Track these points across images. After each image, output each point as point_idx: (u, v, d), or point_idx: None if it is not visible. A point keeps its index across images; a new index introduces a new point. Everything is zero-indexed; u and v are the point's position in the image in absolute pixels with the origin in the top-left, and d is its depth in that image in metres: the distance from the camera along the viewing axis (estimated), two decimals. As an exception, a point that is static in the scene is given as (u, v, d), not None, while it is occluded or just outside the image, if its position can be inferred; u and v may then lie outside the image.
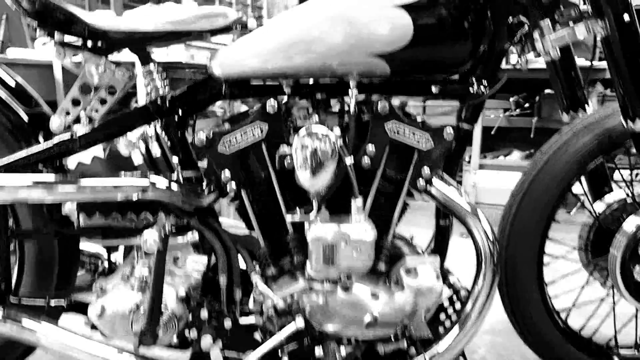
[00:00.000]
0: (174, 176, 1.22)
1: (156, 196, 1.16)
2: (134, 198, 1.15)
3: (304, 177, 1.10)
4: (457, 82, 1.26)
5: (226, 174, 1.18)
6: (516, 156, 3.83)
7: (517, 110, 3.77)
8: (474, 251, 1.26)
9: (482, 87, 1.27)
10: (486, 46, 1.20)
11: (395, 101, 1.25)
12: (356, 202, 1.14)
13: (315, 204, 1.14)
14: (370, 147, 1.18)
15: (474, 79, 1.26)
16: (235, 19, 1.22)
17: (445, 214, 1.33)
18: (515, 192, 1.40)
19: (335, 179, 1.15)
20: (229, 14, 1.21)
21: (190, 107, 1.27)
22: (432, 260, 1.25)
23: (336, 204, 1.24)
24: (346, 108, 1.24)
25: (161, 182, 1.17)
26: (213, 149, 1.16)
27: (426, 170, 1.20)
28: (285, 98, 1.21)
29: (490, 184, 3.18)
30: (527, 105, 3.75)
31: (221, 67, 1.18)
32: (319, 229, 1.14)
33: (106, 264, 1.42)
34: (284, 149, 1.16)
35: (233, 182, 1.19)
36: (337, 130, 1.13)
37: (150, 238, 1.07)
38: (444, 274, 1.34)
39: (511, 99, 3.76)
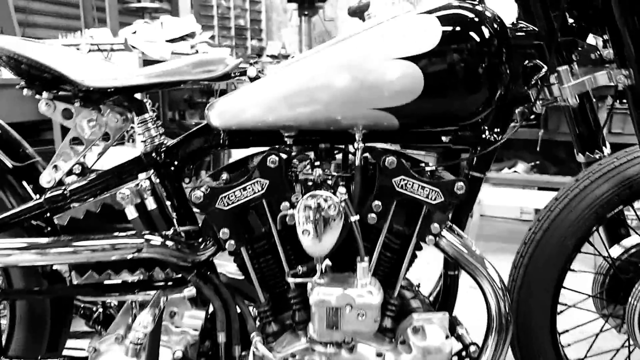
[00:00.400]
0: (170, 231, 1.15)
1: (151, 254, 1.11)
2: (128, 257, 1.10)
3: (307, 243, 1.04)
4: (468, 129, 1.20)
5: (224, 231, 1.11)
6: (521, 168, 3.76)
7: (523, 122, 3.67)
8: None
9: (494, 134, 1.21)
10: (502, 92, 1.13)
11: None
12: (362, 264, 1.08)
13: (318, 267, 1.08)
14: (377, 203, 1.12)
15: (485, 127, 1.20)
16: (234, 65, 1.15)
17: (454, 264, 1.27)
18: (528, 240, 1.33)
19: (339, 238, 1.09)
20: (227, 61, 1.15)
21: (187, 158, 1.20)
22: (440, 317, 1.19)
23: (340, 258, 1.19)
24: (351, 158, 1.18)
25: (156, 239, 1.11)
26: (210, 206, 1.10)
27: (435, 225, 1.14)
28: (286, 150, 1.15)
29: (496, 200, 3.12)
30: (532, 116, 3.66)
31: (219, 118, 1.12)
32: (323, 292, 1.08)
33: (100, 309, 1.37)
34: (285, 203, 1.10)
35: (232, 240, 1.12)
36: (341, 189, 1.07)
37: (143, 323, 1.01)
38: (452, 326, 1.28)
39: (517, 110, 3.67)
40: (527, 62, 1.18)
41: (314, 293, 1.08)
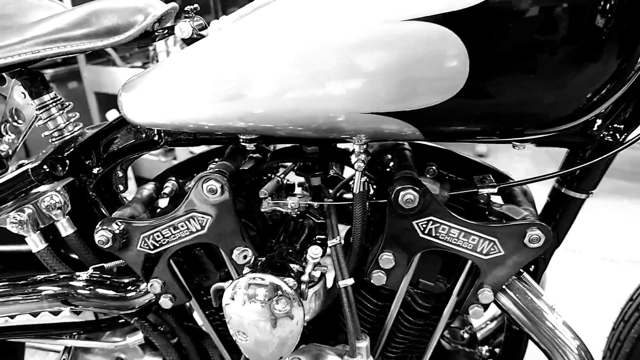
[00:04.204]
0: (90, 270, 0.81)
1: (78, 307, 0.80)
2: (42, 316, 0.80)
3: (246, 351, 0.64)
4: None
5: (154, 284, 0.75)
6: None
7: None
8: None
9: (615, 131, 0.67)
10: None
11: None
12: (353, 364, 0.67)
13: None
14: (387, 256, 0.67)
15: (599, 119, 0.67)
16: (155, 19, 0.69)
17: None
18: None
19: (321, 307, 0.68)
20: (150, 10, 0.68)
21: (115, 156, 0.81)
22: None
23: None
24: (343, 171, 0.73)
25: (77, 287, 0.78)
26: (128, 249, 0.73)
27: (487, 293, 0.68)
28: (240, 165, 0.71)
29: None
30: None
31: (136, 113, 0.69)
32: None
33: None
34: (240, 251, 0.69)
35: (168, 295, 0.76)
36: (314, 249, 0.63)
37: None
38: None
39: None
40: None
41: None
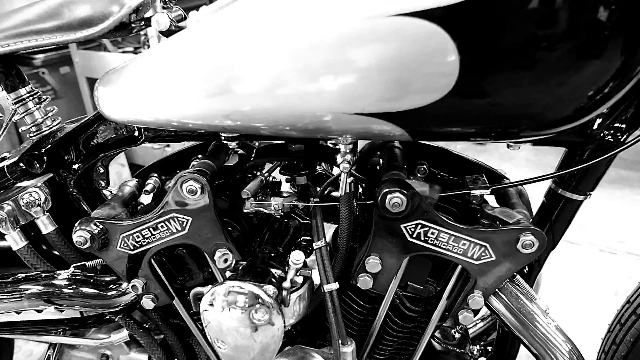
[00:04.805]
0: (72, 269, 0.78)
1: (62, 305, 0.78)
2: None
3: (224, 358, 0.61)
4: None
5: (135, 284, 0.72)
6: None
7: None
8: None
9: (616, 130, 0.64)
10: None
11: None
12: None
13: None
14: (373, 260, 0.65)
15: (599, 118, 0.63)
16: (130, 10, 0.65)
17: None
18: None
19: (306, 310, 0.66)
20: (125, 1, 0.65)
21: (95, 152, 0.78)
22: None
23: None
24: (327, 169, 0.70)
25: (59, 286, 0.76)
26: (107, 249, 0.70)
27: (477, 298, 0.66)
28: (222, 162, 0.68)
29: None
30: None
31: (112, 109, 0.66)
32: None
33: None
34: (222, 253, 0.66)
35: (150, 296, 0.73)
36: (296, 254, 0.61)
37: None
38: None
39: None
40: None
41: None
